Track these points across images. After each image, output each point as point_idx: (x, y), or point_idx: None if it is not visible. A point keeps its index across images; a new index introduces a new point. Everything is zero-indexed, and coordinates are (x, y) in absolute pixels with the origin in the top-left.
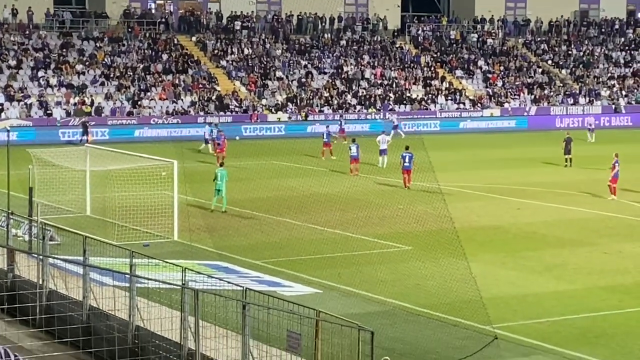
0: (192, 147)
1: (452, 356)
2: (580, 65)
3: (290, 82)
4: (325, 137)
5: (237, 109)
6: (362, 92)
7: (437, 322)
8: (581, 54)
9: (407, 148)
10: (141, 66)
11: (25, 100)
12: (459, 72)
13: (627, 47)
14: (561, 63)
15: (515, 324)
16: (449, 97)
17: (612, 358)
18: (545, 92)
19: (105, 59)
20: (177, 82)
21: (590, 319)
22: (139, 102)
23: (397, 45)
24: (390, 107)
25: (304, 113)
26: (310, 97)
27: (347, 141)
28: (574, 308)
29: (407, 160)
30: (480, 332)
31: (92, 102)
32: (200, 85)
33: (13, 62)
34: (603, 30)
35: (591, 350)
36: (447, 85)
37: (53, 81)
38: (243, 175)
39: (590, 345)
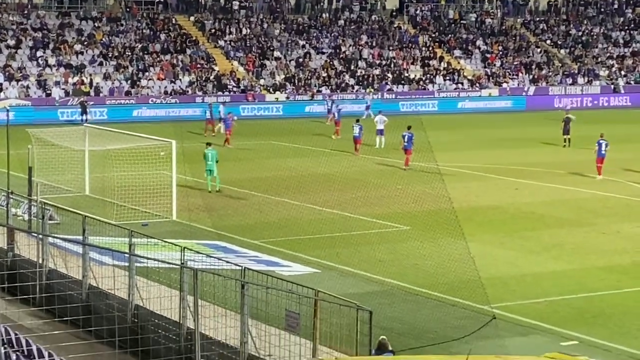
0: (190, 128)
1: (451, 336)
2: (579, 45)
3: (288, 62)
4: (336, 116)
5: (235, 89)
6: (360, 72)
7: (435, 301)
8: (580, 33)
9: (409, 128)
10: (139, 46)
11: (23, 82)
12: (457, 52)
13: (626, 27)
14: (560, 43)
15: (513, 303)
16: (447, 77)
17: (609, 338)
18: (544, 72)
19: (104, 39)
20: (175, 62)
21: (588, 299)
22: (138, 82)
23: (395, 25)
24: (388, 87)
25: (310, 93)
26: (309, 77)
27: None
28: (572, 288)
29: (406, 139)
30: (479, 312)
31: (91, 82)
32: (199, 65)
33: (12, 42)
34: (602, 9)
35: (589, 330)
36: (445, 65)
37: (52, 61)
38: (241, 155)
39: (588, 325)
